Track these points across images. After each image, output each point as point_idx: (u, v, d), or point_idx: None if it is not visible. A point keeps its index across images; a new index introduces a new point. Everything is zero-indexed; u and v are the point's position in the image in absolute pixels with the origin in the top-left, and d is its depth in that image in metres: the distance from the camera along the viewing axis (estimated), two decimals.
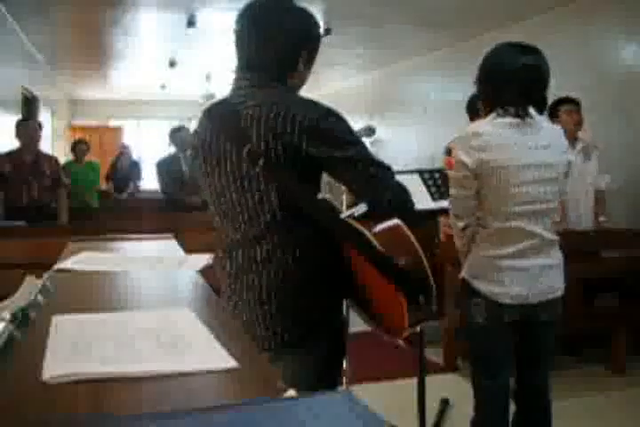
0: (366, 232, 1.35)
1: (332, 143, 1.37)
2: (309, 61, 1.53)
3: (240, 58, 1.50)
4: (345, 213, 1.43)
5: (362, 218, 1.39)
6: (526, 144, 1.78)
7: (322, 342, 1.48)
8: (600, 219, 3.69)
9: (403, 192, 1.43)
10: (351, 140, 1.40)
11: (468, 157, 1.77)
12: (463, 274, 1.92)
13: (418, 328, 1.45)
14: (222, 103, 1.51)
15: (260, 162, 1.37)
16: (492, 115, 1.82)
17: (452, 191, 1.87)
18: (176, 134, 5.02)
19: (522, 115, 1.78)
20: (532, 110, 1.81)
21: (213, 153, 1.47)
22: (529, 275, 1.81)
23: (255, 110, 1.39)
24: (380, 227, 1.38)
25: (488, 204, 1.82)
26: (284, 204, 1.41)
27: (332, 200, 1.50)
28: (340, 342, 1.55)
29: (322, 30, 1.55)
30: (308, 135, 1.36)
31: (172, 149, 5.13)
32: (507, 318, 1.85)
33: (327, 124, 1.38)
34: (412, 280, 1.33)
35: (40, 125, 4.65)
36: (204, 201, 1.63)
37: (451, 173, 1.86)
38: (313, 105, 1.41)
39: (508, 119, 1.78)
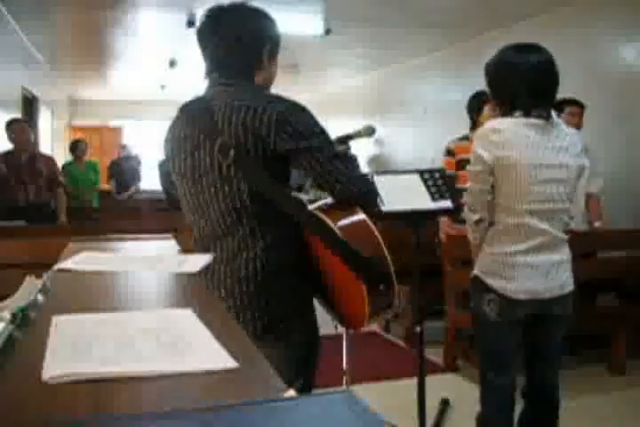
0: (330, 222, 1.41)
1: (297, 134, 1.44)
2: (272, 58, 1.61)
3: (207, 60, 1.59)
4: (312, 206, 1.48)
5: (328, 209, 1.47)
6: (543, 144, 1.81)
7: (292, 336, 1.51)
8: (595, 224, 3.70)
9: (366, 183, 1.50)
10: (315, 131, 1.47)
11: (485, 152, 1.81)
12: (475, 271, 1.94)
13: (381, 320, 1.51)
14: (196, 101, 1.59)
15: (231, 154, 1.43)
16: (517, 113, 1.84)
17: (468, 184, 1.92)
18: None
19: (546, 117, 1.82)
20: (553, 112, 1.85)
21: (187, 148, 1.54)
22: (540, 271, 1.85)
23: (226, 106, 1.47)
24: (345, 221, 1.44)
25: (501, 200, 1.85)
26: (254, 196, 1.47)
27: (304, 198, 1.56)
28: (312, 339, 1.58)
29: (278, 30, 1.64)
30: (275, 127, 1.43)
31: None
32: (519, 314, 1.89)
33: (293, 116, 1.45)
34: (372, 268, 1.38)
35: (31, 124, 4.65)
36: None
37: (468, 167, 1.91)
38: (280, 99, 1.49)
39: (532, 119, 1.81)
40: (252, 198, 1.47)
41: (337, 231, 1.39)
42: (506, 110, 1.88)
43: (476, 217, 1.90)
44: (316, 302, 1.60)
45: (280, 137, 1.43)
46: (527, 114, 1.82)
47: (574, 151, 1.87)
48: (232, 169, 1.45)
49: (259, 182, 1.45)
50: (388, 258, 1.41)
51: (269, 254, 1.48)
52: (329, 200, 1.50)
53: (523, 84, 1.83)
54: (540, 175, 1.80)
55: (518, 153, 1.79)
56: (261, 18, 1.59)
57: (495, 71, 1.91)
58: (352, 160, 1.51)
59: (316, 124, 1.49)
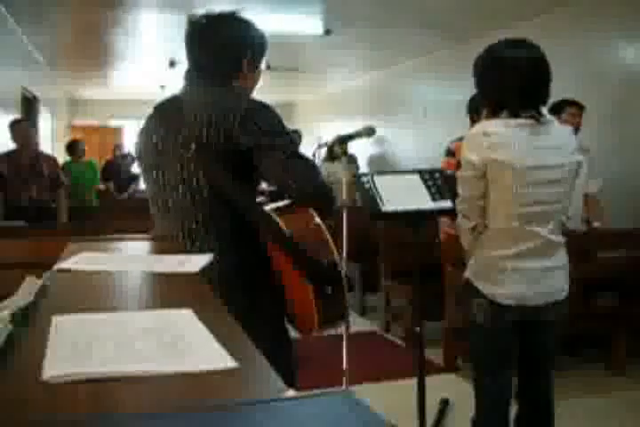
0: (282, 224, 1.42)
1: (260, 132, 1.46)
2: (254, 64, 1.67)
3: (189, 61, 1.65)
4: (269, 206, 1.49)
5: (284, 211, 1.47)
6: (536, 145, 1.75)
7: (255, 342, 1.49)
8: (594, 224, 3.69)
9: (321, 186, 1.51)
10: (278, 130, 1.50)
11: (476, 157, 1.74)
12: (467, 274, 1.91)
13: (331, 328, 1.49)
14: (171, 99, 1.64)
15: (192, 146, 1.46)
16: (504, 114, 1.78)
17: (459, 191, 1.85)
18: None
19: (536, 117, 1.75)
20: (544, 110, 1.79)
21: (154, 142, 1.58)
22: (530, 276, 1.79)
23: (195, 102, 1.52)
24: (297, 224, 1.45)
25: (492, 204, 1.79)
26: (214, 194, 1.49)
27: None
28: (278, 342, 1.56)
29: (264, 38, 1.70)
30: (240, 124, 1.46)
31: None
32: (508, 319, 1.84)
33: (258, 114, 1.49)
34: (320, 269, 1.38)
35: (34, 125, 4.67)
36: None
37: (458, 173, 1.84)
38: (247, 100, 1.54)
39: (521, 120, 1.75)
40: (212, 196, 1.49)
41: (286, 233, 1.40)
42: (494, 110, 1.81)
43: (471, 224, 1.84)
44: None
45: (243, 133, 1.46)
46: (515, 114, 1.75)
47: (568, 149, 1.81)
48: (193, 163, 1.48)
49: (216, 178, 1.47)
50: (340, 264, 1.41)
51: (226, 257, 1.48)
52: (286, 202, 1.51)
53: (510, 82, 1.76)
54: (533, 177, 1.74)
55: (509, 156, 1.72)
56: (246, 28, 1.65)
57: (482, 68, 1.85)
58: (311, 162, 1.52)
59: (281, 124, 1.52)
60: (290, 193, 1.47)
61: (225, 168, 1.47)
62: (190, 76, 1.63)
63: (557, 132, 1.81)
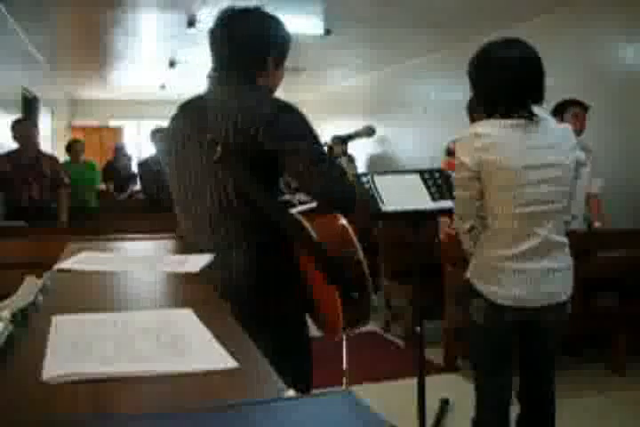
0: (308, 227, 1.41)
1: (284, 136, 1.44)
2: (278, 63, 1.63)
3: (214, 59, 1.61)
4: (295, 209, 1.48)
5: (310, 213, 1.46)
6: (530, 144, 1.73)
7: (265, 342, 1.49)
8: (595, 224, 3.69)
9: (346, 188, 1.49)
10: (304, 134, 1.47)
11: (469, 158, 1.74)
12: (467, 274, 1.91)
13: (356, 329, 1.49)
14: (195, 99, 1.62)
15: (218, 149, 1.44)
16: (496, 115, 1.77)
17: (455, 193, 1.85)
18: (157, 135, 5.04)
19: (528, 116, 1.74)
20: (537, 110, 1.77)
21: (179, 143, 1.56)
22: (530, 278, 1.78)
23: (221, 104, 1.49)
24: (324, 227, 1.44)
25: (491, 204, 1.78)
26: (239, 195, 1.47)
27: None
28: (291, 343, 1.55)
29: (289, 36, 1.66)
30: (264, 127, 1.43)
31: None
32: (507, 319, 1.83)
33: (283, 118, 1.45)
34: (345, 274, 1.37)
35: (35, 125, 4.67)
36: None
37: (454, 175, 1.84)
38: (273, 100, 1.51)
39: (514, 120, 1.74)
40: (238, 197, 1.48)
41: (314, 236, 1.39)
42: (488, 111, 1.80)
43: (467, 226, 1.83)
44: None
45: (268, 137, 1.43)
46: (508, 115, 1.74)
47: (565, 147, 1.78)
48: (219, 165, 1.47)
49: (242, 180, 1.46)
50: (364, 264, 1.40)
51: (251, 258, 1.48)
52: (313, 205, 1.50)
53: (500, 82, 1.75)
54: (527, 177, 1.72)
55: (504, 156, 1.71)
56: (273, 24, 1.61)
57: (474, 68, 1.84)
58: (336, 165, 1.50)
59: (306, 126, 1.49)
60: (315, 197, 1.47)
61: (252, 170, 1.45)
62: (215, 74, 1.59)
63: (553, 130, 1.80)
